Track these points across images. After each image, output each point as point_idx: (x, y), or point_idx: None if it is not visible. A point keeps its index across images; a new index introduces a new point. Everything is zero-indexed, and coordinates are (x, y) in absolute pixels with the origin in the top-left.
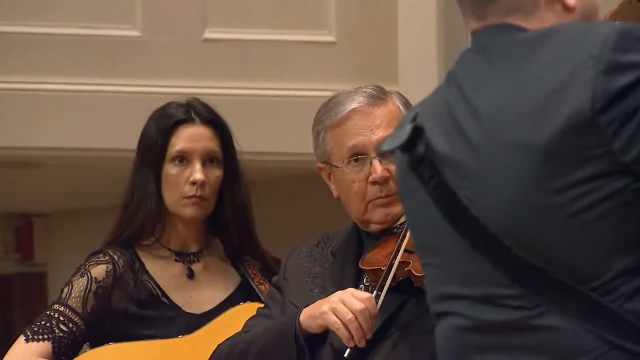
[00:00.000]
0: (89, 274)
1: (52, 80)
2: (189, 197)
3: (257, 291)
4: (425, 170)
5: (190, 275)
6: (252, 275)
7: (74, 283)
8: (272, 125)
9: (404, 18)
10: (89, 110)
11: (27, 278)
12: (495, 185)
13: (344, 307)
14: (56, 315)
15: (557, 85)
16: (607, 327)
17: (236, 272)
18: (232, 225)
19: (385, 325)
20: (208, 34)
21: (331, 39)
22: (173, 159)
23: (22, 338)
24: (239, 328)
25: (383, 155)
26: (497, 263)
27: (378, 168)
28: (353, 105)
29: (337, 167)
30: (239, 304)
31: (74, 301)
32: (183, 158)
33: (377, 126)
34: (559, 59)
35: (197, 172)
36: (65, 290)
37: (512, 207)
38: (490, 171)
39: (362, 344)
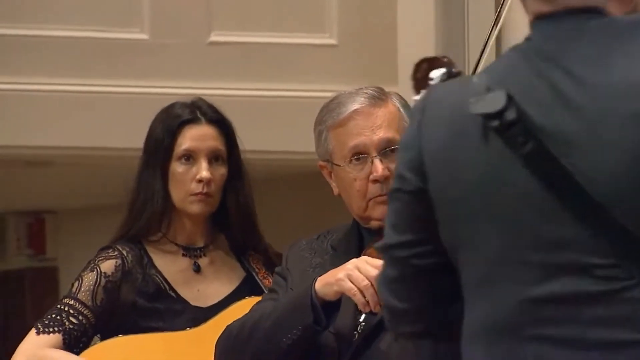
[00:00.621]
0: (98, 269)
1: (61, 81)
2: (196, 195)
3: (261, 285)
4: (518, 135)
5: (197, 269)
6: (257, 270)
7: (84, 277)
8: (274, 124)
9: (403, 22)
10: (98, 111)
11: (39, 272)
12: (609, 154)
13: (359, 274)
14: (66, 309)
15: None
16: None
17: (241, 267)
18: (235, 221)
19: None
20: (213, 37)
21: (332, 41)
22: (180, 158)
23: (33, 331)
24: None
25: (384, 155)
26: (596, 230)
27: (379, 167)
28: (355, 106)
29: (339, 165)
30: (244, 297)
31: (84, 295)
32: (189, 157)
33: (378, 126)
34: None
35: (204, 170)
36: (76, 284)
37: (625, 177)
38: (604, 141)
39: (377, 310)
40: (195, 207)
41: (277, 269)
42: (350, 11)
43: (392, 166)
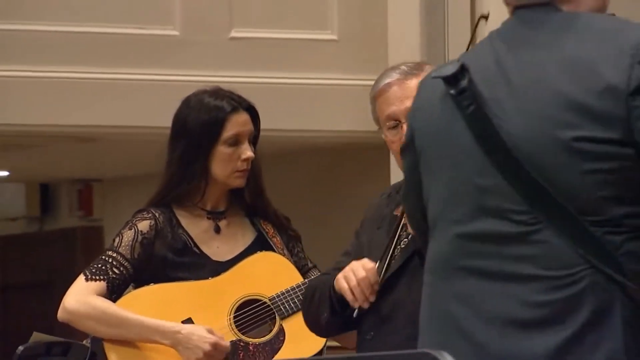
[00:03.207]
0: (135, 227)
1: (106, 70)
2: (241, 171)
3: (270, 243)
4: (465, 99)
5: (217, 230)
6: (266, 230)
7: (123, 234)
8: (284, 107)
9: (393, 21)
10: (135, 96)
11: (87, 230)
12: (525, 119)
13: (351, 275)
14: (110, 260)
15: (596, 60)
16: (593, 252)
17: (253, 228)
18: (250, 189)
19: (406, 263)
20: (234, 34)
21: (334, 37)
22: (226, 141)
23: (82, 277)
24: (255, 272)
25: None
26: (514, 181)
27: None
28: (389, 79)
29: (382, 131)
30: (255, 253)
31: (124, 249)
32: (236, 140)
33: (407, 97)
34: (599, 40)
35: (248, 151)
36: (117, 240)
37: (538, 139)
38: (527, 108)
39: (365, 306)
40: (238, 181)
41: (361, 220)
42: (349, 12)
43: None
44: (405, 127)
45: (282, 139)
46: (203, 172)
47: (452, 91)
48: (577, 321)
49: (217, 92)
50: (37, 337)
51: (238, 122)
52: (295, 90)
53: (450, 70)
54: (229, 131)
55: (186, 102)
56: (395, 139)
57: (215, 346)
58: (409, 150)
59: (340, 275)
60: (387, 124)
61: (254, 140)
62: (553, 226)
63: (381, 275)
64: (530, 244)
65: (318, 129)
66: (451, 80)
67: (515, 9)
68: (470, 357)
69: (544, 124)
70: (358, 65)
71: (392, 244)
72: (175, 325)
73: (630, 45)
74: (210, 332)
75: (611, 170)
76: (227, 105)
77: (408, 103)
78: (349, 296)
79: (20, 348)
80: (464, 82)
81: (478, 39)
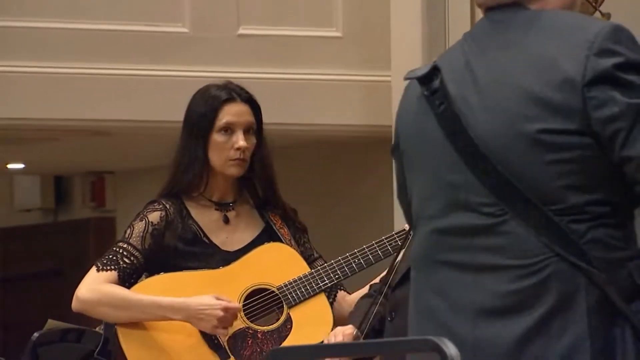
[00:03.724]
0: (146, 219)
1: (119, 66)
2: (234, 160)
3: (278, 234)
4: (437, 99)
5: (226, 220)
6: (274, 221)
7: (134, 226)
8: (290, 102)
9: (395, 19)
10: (147, 91)
11: (100, 221)
12: (494, 116)
13: (332, 339)
14: (121, 251)
15: (556, 55)
16: (557, 241)
17: (261, 219)
18: (259, 181)
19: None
20: (241, 31)
21: (338, 34)
22: (220, 130)
23: (94, 268)
24: (263, 262)
25: None
26: (481, 176)
27: None
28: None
29: None
30: (263, 244)
31: (135, 240)
32: (228, 129)
33: None
34: (560, 36)
35: (241, 140)
36: (128, 231)
37: (504, 134)
38: (492, 105)
39: None
40: (233, 170)
41: None
42: (353, 10)
43: None
44: None
45: (287, 132)
46: (203, 161)
47: (425, 92)
48: (544, 308)
49: (222, 85)
50: (51, 324)
51: (231, 112)
52: (300, 86)
53: (423, 71)
54: (221, 119)
55: (194, 95)
56: None
57: (226, 310)
58: (395, 152)
59: (326, 338)
60: None
61: (257, 133)
62: (518, 217)
63: (363, 334)
64: (498, 235)
65: (322, 123)
66: (424, 81)
67: (486, 11)
68: None
69: (509, 119)
70: (361, 62)
71: (400, 251)
72: (185, 299)
73: (587, 38)
74: (218, 298)
75: (572, 159)
76: (224, 94)
77: None
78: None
79: (36, 335)
80: (436, 83)
81: None
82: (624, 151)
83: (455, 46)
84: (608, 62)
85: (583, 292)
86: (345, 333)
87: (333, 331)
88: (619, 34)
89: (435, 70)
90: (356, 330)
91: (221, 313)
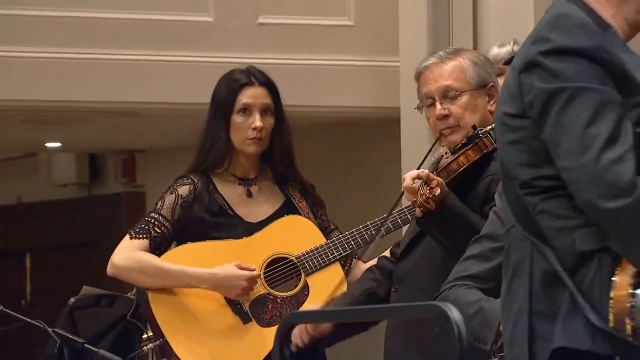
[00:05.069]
0: (176, 192)
1: (148, 52)
2: (251, 139)
3: (297, 207)
4: None
5: (249, 194)
6: (294, 195)
7: (165, 198)
8: (306, 85)
9: (403, 9)
10: (174, 75)
11: (131, 195)
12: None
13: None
14: (152, 221)
15: (524, 45)
16: (517, 211)
17: (281, 193)
18: (279, 158)
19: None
20: (261, 20)
21: (350, 23)
22: (239, 111)
23: (127, 236)
24: (283, 233)
25: (444, 98)
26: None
27: (438, 108)
28: (427, 62)
29: (423, 107)
30: (283, 216)
31: (165, 211)
32: (247, 110)
33: (440, 77)
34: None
35: (257, 121)
36: (159, 203)
37: (496, 117)
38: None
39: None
40: (251, 148)
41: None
42: (364, 1)
43: (452, 107)
44: (437, 104)
45: (303, 113)
46: (226, 140)
47: None
48: (509, 274)
49: (244, 69)
50: (86, 290)
51: (248, 94)
52: (315, 71)
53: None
54: (239, 101)
55: (219, 79)
56: (431, 114)
57: (248, 279)
58: None
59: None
60: (425, 101)
61: (276, 114)
62: (504, 191)
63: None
64: (506, 239)
65: (336, 105)
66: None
67: None
68: None
69: (499, 102)
70: (371, 48)
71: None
72: (211, 270)
73: (534, 29)
74: (241, 267)
75: (520, 140)
76: (243, 78)
77: (441, 82)
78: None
79: (72, 300)
80: None
81: (477, 25)
82: (541, 134)
83: None
84: (536, 49)
85: (528, 260)
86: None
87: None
88: (560, 20)
89: None
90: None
91: (245, 283)
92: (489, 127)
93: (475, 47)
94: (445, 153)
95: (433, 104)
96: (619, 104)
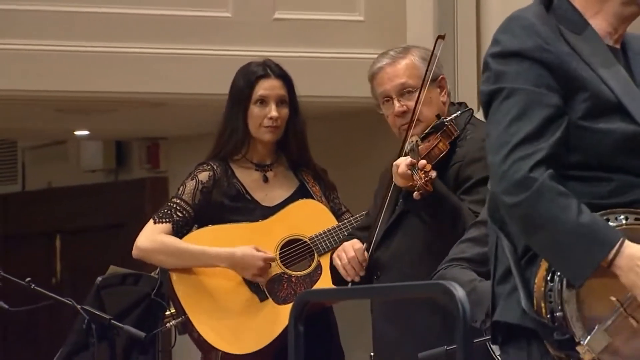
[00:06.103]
0: (197, 178)
1: (171, 46)
2: (267, 127)
3: (310, 191)
4: None
5: (265, 180)
6: (307, 181)
7: (186, 184)
8: (320, 77)
9: (411, 6)
10: (194, 67)
11: (154, 180)
12: None
13: (343, 254)
14: (175, 206)
15: None
16: (490, 202)
17: (296, 178)
18: (293, 145)
19: (400, 219)
20: (277, 15)
21: (361, 18)
22: (256, 102)
23: (151, 221)
24: (298, 216)
25: (401, 95)
26: None
27: (396, 105)
28: (380, 64)
29: (380, 106)
30: (297, 200)
31: (187, 196)
32: (263, 101)
33: (395, 76)
34: None
35: (273, 111)
36: (181, 188)
37: None
38: None
39: (356, 279)
40: (267, 136)
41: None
42: None
43: (409, 103)
44: (395, 102)
45: (316, 104)
46: (243, 129)
47: None
48: (492, 262)
49: (260, 62)
50: (113, 269)
51: (264, 86)
52: (328, 63)
53: None
54: (256, 93)
55: (237, 71)
56: (389, 112)
57: (264, 260)
58: None
59: (335, 254)
60: (382, 100)
61: (291, 105)
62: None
63: (370, 250)
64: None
65: (347, 95)
66: None
67: None
68: None
69: None
70: (381, 42)
71: (382, 212)
72: (230, 250)
73: None
74: (258, 249)
75: None
76: (260, 71)
77: (397, 81)
78: (342, 272)
79: (99, 279)
80: None
81: (481, 22)
82: None
83: None
84: (489, 52)
85: (494, 250)
86: (355, 247)
87: (343, 245)
88: (510, 22)
89: None
90: (364, 244)
91: (261, 263)
92: (453, 116)
93: (479, 40)
94: (417, 141)
95: (391, 102)
96: (549, 105)
